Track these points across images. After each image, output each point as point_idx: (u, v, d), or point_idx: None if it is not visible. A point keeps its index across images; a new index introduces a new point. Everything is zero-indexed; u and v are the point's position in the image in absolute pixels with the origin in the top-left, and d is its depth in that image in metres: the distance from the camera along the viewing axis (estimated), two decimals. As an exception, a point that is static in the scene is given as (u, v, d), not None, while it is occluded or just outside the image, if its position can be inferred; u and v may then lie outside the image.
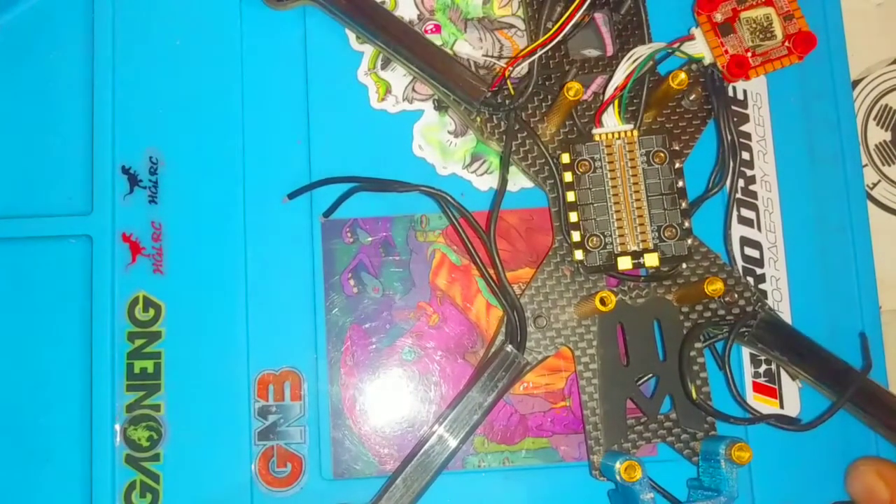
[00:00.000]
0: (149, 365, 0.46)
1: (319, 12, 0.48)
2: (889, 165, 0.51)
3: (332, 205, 0.47)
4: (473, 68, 0.48)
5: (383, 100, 0.48)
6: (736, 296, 0.45)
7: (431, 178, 0.47)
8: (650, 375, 0.45)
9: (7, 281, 0.47)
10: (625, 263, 0.44)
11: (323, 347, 0.46)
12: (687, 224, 0.44)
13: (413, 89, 0.48)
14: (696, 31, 0.45)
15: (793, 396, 0.46)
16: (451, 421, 0.43)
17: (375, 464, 0.46)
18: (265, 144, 0.48)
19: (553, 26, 0.45)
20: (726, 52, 0.45)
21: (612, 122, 0.45)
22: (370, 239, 0.47)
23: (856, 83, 0.51)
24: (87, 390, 0.46)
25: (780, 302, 0.47)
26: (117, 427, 0.46)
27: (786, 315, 0.47)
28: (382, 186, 0.46)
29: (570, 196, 0.44)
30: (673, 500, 0.44)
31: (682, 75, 0.43)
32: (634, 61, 0.44)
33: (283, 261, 0.47)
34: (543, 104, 0.46)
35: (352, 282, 0.47)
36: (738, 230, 0.47)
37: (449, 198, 0.45)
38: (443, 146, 0.48)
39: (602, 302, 0.42)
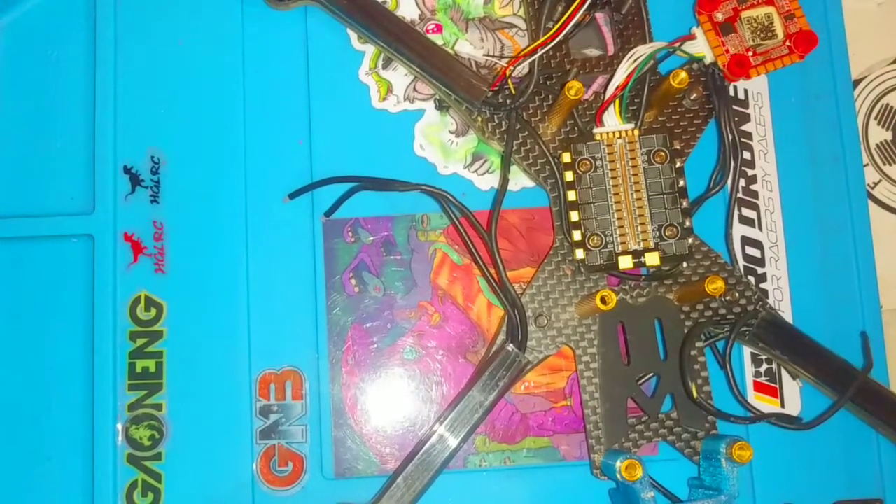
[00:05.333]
0: (150, 364, 0.46)
1: (321, 12, 0.48)
2: (890, 165, 0.51)
3: (334, 204, 0.47)
4: (474, 68, 0.48)
5: (384, 99, 0.48)
6: (737, 295, 0.45)
7: (433, 178, 0.48)
8: (651, 375, 0.45)
9: (8, 280, 0.47)
10: (626, 262, 0.44)
11: (324, 347, 0.46)
12: (688, 223, 0.44)
13: (414, 89, 0.49)
14: (697, 31, 0.45)
15: (794, 395, 0.46)
16: (452, 420, 0.43)
17: (377, 463, 0.46)
18: (266, 144, 0.48)
19: (554, 26, 0.45)
20: (727, 51, 0.45)
21: (613, 121, 0.45)
22: (371, 238, 0.47)
23: (857, 83, 0.51)
24: (89, 389, 0.46)
25: (781, 301, 0.47)
26: (119, 426, 0.46)
27: (787, 314, 0.47)
28: (384, 186, 0.46)
29: (571, 195, 0.44)
30: (674, 499, 0.44)
31: (683, 74, 0.43)
32: (635, 61, 0.44)
33: (285, 260, 0.47)
34: (544, 104, 0.46)
35: (353, 281, 0.47)
36: (739, 229, 0.47)
37: (450, 197, 0.45)
38: (444, 146, 0.48)
39: (603, 301, 0.42)
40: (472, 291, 0.47)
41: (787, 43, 0.45)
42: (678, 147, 0.45)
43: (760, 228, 0.48)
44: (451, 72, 0.46)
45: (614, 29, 0.47)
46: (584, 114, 0.46)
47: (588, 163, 0.44)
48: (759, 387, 0.47)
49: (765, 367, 0.47)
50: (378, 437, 0.46)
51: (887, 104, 0.51)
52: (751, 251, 0.47)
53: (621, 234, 0.44)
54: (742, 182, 0.48)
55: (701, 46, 0.45)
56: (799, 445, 0.45)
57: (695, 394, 0.43)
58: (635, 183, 0.44)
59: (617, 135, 0.44)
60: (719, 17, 0.45)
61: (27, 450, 0.46)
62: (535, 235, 0.48)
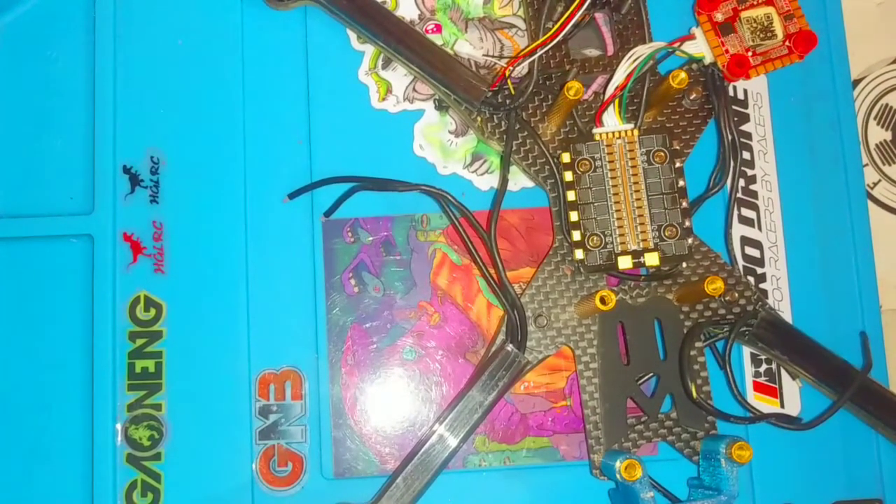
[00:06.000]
0: (150, 364, 0.46)
1: (320, 12, 0.48)
2: (889, 165, 0.51)
3: (333, 204, 0.47)
4: (474, 68, 0.48)
5: (384, 99, 0.48)
6: (736, 295, 0.45)
7: (432, 178, 0.48)
8: (651, 375, 0.45)
9: (8, 280, 0.47)
10: (625, 263, 0.44)
11: (324, 347, 0.46)
12: (687, 223, 0.44)
13: (414, 89, 0.49)
14: (697, 31, 0.45)
15: (793, 396, 0.46)
16: (452, 420, 0.43)
17: (376, 463, 0.46)
18: (266, 144, 0.48)
19: (553, 26, 0.45)
20: (727, 51, 0.45)
21: (612, 121, 0.45)
22: (371, 238, 0.47)
23: (856, 83, 0.51)
24: (89, 390, 0.46)
25: (781, 301, 0.47)
26: (118, 426, 0.46)
27: (786, 314, 0.47)
28: (383, 186, 0.46)
29: (571, 195, 0.44)
30: (673, 499, 0.44)
31: (683, 75, 0.43)
32: (635, 61, 0.44)
33: (284, 260, 0.47)
34: (544, 104, 0.46)
35: (353, 281, 0.47)
36: (738, 229, 0.47)
37: (450, 197, 0.45)
38: (443, 146, 0.48)
39: (602, 301, 0.42)
40: (471, 291, 0.47)
41: (787, 43, 0.45)
42: (678, 147, 0.45)
43: (760, 228, 0.48)
44: (451, 72, 0.46)
45: (614, 29, 0.47)
46: (584, 114, 0.46)
47: (587, 163, 0.44)
48: (758, 387, 0.47)
49: (764, 367, 0.47)
50: (378, 437, 0.46)
51: (887, 104, 0.51)
52: (750, 251, 0.47)
53: (621, 235, 0.44)
54: (741, 182, 0.48)
55: (700, 46, 0.45)
56: (799, 445, 0.45)
57: (694, 394, 0.43)
58: (635, 183, 0.44)
59: (616, 135, 0.44)
60: (719, 17, 0.45)
61: (27, 450, 0.46)
62: (535, 235, 0.48)
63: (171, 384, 0.46)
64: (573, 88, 0.43)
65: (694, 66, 0.46)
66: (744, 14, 0.45)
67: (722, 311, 0.45)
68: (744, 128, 0.48)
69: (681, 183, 0.44)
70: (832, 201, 0.48)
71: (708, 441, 0.44)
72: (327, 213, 0.47)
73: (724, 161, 0.46)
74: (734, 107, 0.48)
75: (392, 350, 0.47)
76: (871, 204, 0.49)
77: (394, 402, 0.46)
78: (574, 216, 0.44)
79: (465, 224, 0.45)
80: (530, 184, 0.48)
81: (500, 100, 0.46)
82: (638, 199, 0.44)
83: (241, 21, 0.49)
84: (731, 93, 0.48)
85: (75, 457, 0.46)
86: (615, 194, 0.44)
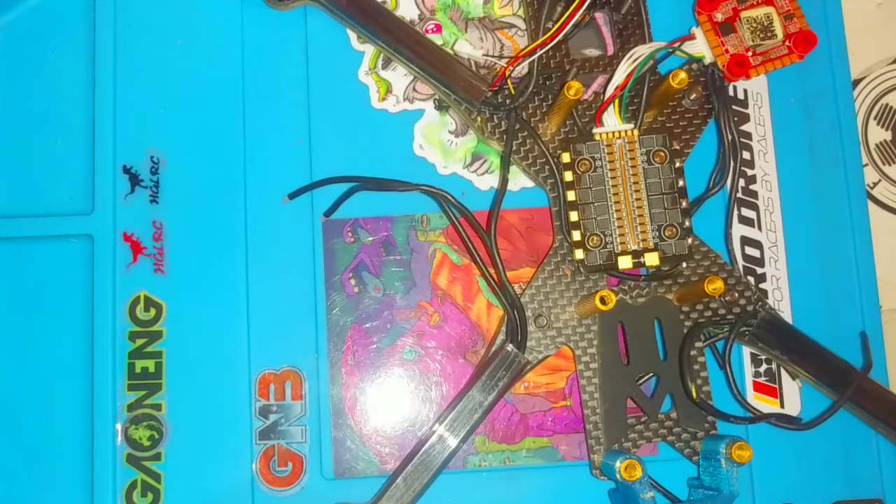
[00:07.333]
0: (150, 364, 0.46)
1: (320, 12, 0.48)
2: (889, 165, 0.51)
3: (333, 204, 0.47)
4: (474, 68, 0.48)
5: (384, 99, 0.48)
6: (736, 295, 0.45)
7: (432, 178, 0.48)
8: (651, 375, 0.45)
9: (8, 280, 0.47)
10: (625, 263, 0.44)
11: (324, 347, 0.46)
12: (687, 223, 0.44)
13: (414, 89, 0.49)
14: (697, 31, 0.45)
15: (793, 396, 0.46)
16: (452, 420, 0.43)
17: (376, 463, 0.46)
18: (266, 144, 0.48)
19: (553, 26, 0.45)
20: (727, 51, 0.45)
21: (612, 121, 0.45)
22: (371, 238, 0.47)
23: (856, 82, 0.51)
24: (89, 390, 0.46)
25: (781, 301, 0.47)
26: (118, 426, 0.46)
27: (786, 314, 0.47)
28: (383, 186, 0.46)
29: (571, 195, 0.44)
30: (673, 499, 0.44)
31: (683, 74, 0.43)
32: (635, 61, 0.44)
33: (284, 260, 0.47)
34: (544, 104, 0.46)
35: (353, 281, 0.47)
36: (738, 229, 0.47)
37: (450, 197, 0.45)
38: (443, 146, 0.48)
39: (602, 301, 0.42)
40: (471, 291, 0.47)
41: (787, 43, 0.45)
42: (678, 147, 0.45)
43: (760, 228, 0.48)
44: (451, 72, 0.46)
45: (614, 29, 0.47)
46: (584, 114, 0.46)
47: (587, 163, 0.44)
48: (758, 387, 0.47)
49: (764, 367, 0.47)
50: (377, 437, 0.46)
51: (887, 104, 0.51)
52: (750, 251, 0.47)
53: (621, 235, 0.44)
54: (741, 182, 0.48)
55: (700, 46, 0.45)
56: (798, 445, 0.45)
57: (694, 394, 0.43)
58: (635, 183, 0.44)
59: (616, 135, 0.44)
60: (719, 17, 0.45)
61: (26, 450, 0.46)
62: (535, 235, 0.48)
63: (171, 384, 0.46)
64: (573, 88, 0.43)
65: (694, 66, 0.46)
66: (744, 14, 0.45)
67: (722, 311, 0.45)
68: (744, 128, 0.48)
69: (681, 183, 0.44)
70: (832, 201, 0.48)
71: (708, 441, 0.44)
72: (327, 213, 0.47)
73: (724, 161, 0.46)
74: (734, 107, 0.48)
75: (392, 350, 0.47)
76: (871, 204, 0.49)
77: (394, 402, 0.46)
78: (574, 216, 0.44)
79: (465, 224, 0.45)
80: (530, 184, 0.48)
81: (500, 100, 0.46)
82: (638, 199, 0.44)
83: (241, 21, 0.49)
84: (731, 93, 0.48)
85: (75, 457, 0.46)
86: (615, 194, 0.44)
